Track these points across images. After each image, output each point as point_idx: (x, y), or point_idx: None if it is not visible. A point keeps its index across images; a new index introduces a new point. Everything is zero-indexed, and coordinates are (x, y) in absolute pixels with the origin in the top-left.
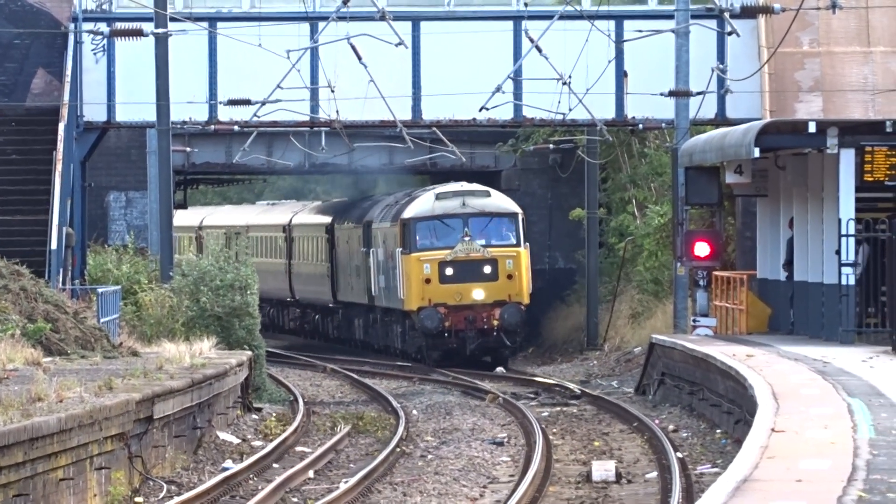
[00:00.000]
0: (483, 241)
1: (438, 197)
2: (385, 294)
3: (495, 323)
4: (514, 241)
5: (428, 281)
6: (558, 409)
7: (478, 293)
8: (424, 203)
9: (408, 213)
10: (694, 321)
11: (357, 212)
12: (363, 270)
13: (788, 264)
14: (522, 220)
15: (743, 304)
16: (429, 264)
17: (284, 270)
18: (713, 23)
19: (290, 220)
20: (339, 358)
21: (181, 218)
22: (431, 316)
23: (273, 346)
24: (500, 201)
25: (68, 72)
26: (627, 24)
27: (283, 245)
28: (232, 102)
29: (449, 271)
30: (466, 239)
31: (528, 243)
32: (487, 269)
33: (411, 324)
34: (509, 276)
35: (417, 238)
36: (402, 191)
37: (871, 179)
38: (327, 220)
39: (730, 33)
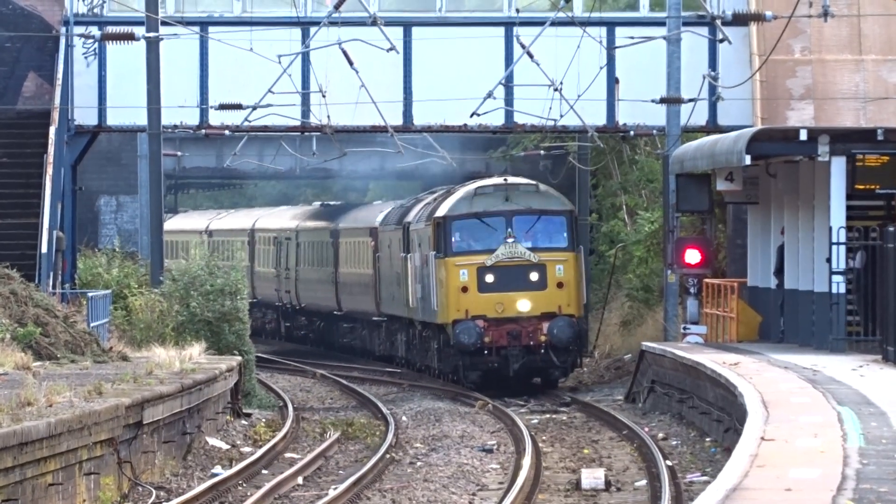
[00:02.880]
0: (529, 244)
1: (478, 192)
2: (422, 305)
3: (543, 339)
4: (565, 243)
5: (465, 289)
6: (548, 416)
7: (523, 304)
8: (461, 199)
9: (442, 210)
10: (684, 329)
11: (398, 212)
12: (403, 278)
13: (779, 272)
14: (575, 219)
15: (733, 312)
16: (466, 270)
17: (331, 280)
18: (705, 30)
19: (338, 224)
20: (329, 363)
21: (233, 220)
22: (468, 330)
23: (263, 351)
24: (549, 197)
25: (59, 75)
26: (619, 30)
27: (331, 251)
28: (223, 107)
29: (489, 278)
30: (510, 241)
31: (581, 246)
32: (534, 276)
33: (446, 339)
34: (559, 285)
35: (453, 239)
36: (441, 188)
37: (862, 187)
38: (371, 222)
39: (721, 40)
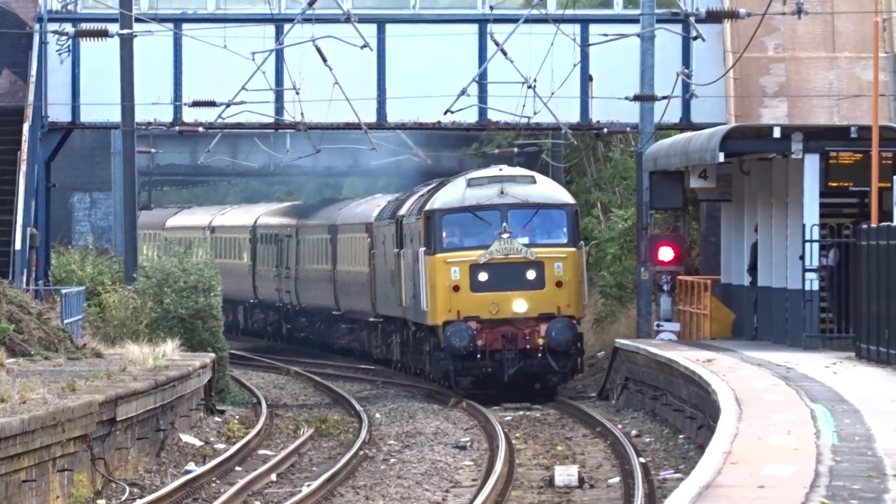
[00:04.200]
0: (526, 240)
1: (470, 183)
2: (413, 305)
3: (540, 342)
4: (565, 239)
5: (456, 289)
6: (521, 413)
7: (519, 304)
8: (453, 191)
9: (432, 203)
10: (657, 326)
11: (393, 205)
12: (396, 276)
13: (753, 269)
14: (576, 212)
15: (707, 309)
16: (457, 268)
17: (330, 279)
18: (678, 27)
19: (336, 220)
20: (303, 360)
21: (234, 217)
22: (460, 332)
23: (237, 348)
24: (548, 189)
25: (33, 72)
26: (593, 27)
27: (329, 249)
28: (197, 104)
29: (483, 277)
30: (505, 236)
31: (582, 242)
32: (531, 275)
33: (437, 342)
34: (558, 284)
35: (444, 234)
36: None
37: (835, 185)
38: (367, 217)
39: (695, 38)
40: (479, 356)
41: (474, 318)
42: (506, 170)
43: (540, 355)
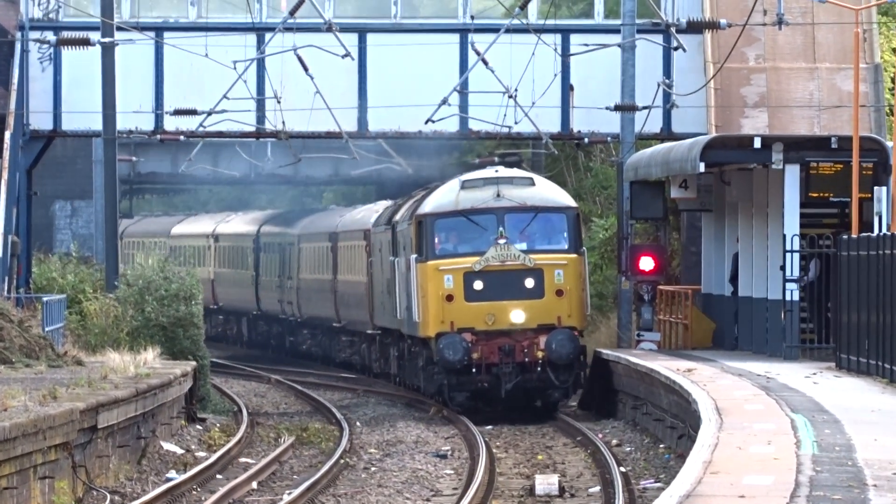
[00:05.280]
0: (524, 245)
1: (464, 186)
2: (407, 316)
3: (540, 354)
4: (565, 245)
5: (450, 298)
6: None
7: (516, 315)
8: (447, 194)
9: (424, 207)
10: (638, 335)
11: (390, 211)
12: (392, 286)
13: (734, 279)
14: (577, 216)
15: (687, 319)
16: (451, 276)
17: (331, 289)
18: (659, 37)
19: (337, 227)
20: (284, 369)
21: (237, 224)
22: (454, 345)
23: (219, 356)
24: (547, 192)
25: (15, 80)
26: (574, 38)
27: (330, 257)
28: (178, 112)
29: (478, 285)
30: (502, 242)
31: (584, 249)
32: (530, 283)
33: (430, 355)
34: (559, 292)
35: (436, 240)
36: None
37: (815, 195)
38: (366, 224)
39: (676, 48)
40: (474, 370)
41: (469, 330)
42: (502, 171)
43: (539, 369)
